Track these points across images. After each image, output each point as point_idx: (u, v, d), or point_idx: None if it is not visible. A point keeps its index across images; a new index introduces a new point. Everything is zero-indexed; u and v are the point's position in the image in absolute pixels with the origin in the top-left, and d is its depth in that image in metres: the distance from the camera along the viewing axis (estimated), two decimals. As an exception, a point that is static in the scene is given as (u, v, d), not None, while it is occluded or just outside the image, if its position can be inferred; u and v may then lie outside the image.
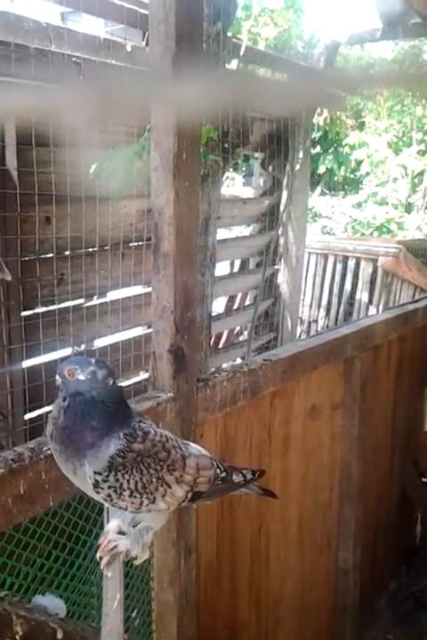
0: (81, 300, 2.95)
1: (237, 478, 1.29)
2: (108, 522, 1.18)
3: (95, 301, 3.01)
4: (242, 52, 3.14)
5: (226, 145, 2.62)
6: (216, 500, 2.12)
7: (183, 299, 1.74)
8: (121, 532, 1.15)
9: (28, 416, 2.61)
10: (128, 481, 1.08)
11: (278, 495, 2.47)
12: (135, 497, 1.09)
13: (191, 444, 1.28)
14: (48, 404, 2.46)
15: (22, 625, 0.95)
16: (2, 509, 1.21)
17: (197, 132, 1.74)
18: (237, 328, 4.28)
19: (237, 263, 4.40)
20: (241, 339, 4.16)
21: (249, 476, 1.31)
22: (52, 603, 1.20)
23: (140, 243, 3.02)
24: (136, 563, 1.18)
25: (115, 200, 2.75)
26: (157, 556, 1.80)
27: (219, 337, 4.26)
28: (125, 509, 1.10)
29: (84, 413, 1.07)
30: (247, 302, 3.99)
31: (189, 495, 1.18)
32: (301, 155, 3.61)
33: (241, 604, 2.34)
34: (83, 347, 3.06)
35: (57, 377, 1.10)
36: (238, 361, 3.76)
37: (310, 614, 2.76)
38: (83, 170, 2.44)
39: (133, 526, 1.16)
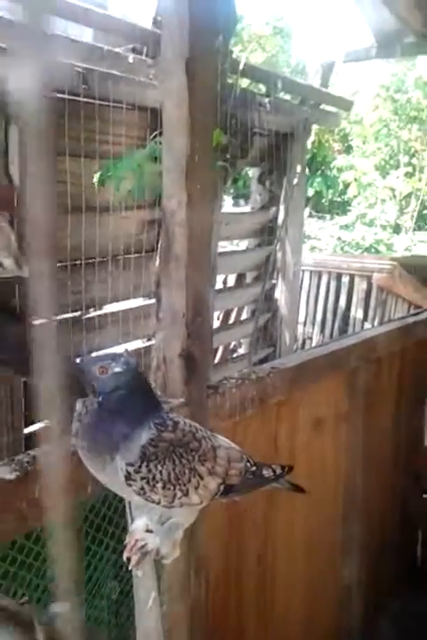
0: (79, 312, 2.91)
1: (267, 473, 1.25)
2: (131, 521, 1.13)
3: (94, 313, 2.96)
4: (241, 67, 3.16)
5: (228, 156, 2.62)
6: (223, 513, 2.08)
7: (194, 303, 1.71)
8: (148, 531, 1.10)
9: (27, 430, 2.54)
10: (161, 472, 1.04)
11: (285, 510, 2.44)
12: (168, 489, 1.05)
13: (218, 436, 1.24)
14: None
15: (46, 632, 0.90)
16: (18, 514, 1.16)
17: (209, 134, 1.73)
18: (233, 343, 4.24)
19: (231, 278, 4.38)
20: (236, 355, 4.12)
21: (279, 471, 1.28)
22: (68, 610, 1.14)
23: (141, 254, 2.99)
24: (165, 562, 1.13)
25: (117, 210, 2.73)
26: (166, 568, 1.74)
27: (214, 352, 4.22)
28: (158, 503, 1.06)
29: (120, 406, 1.04)
30: (244, 317, 3.96)
31: (221, 488, 1.14)
32: (298, 169, 3.63)
33: (248, 624, 2.28)
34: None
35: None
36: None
37: (316, 633, 2.69)
38: (87, 180, 2.42)
39: (161, 524, 1.11)
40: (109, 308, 3.05)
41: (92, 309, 2.99)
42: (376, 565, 3.13)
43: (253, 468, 1.22)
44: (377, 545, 3.14)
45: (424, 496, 3.57)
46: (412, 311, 4.43)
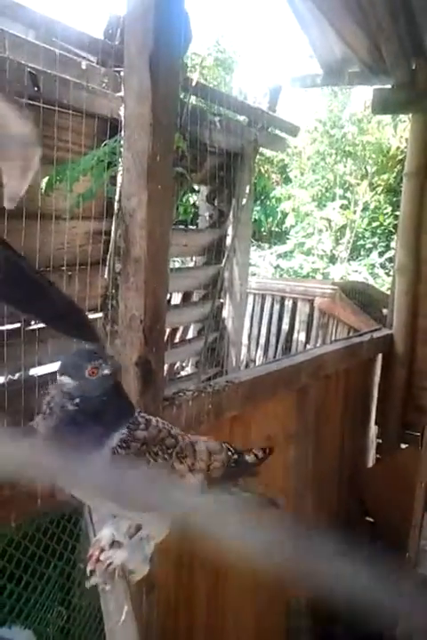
0: (19, 324, 2.75)
1: (249, 458, 1.19)
2: (94, 531, 1.03)
3: (35, 326, 2.81)
4: (194, 84, 3.15)
5: (180, 168, 2.57)
6: (174, 533, 1.98)
7: (153, 308, 1.64)
8: (115, 542, 1.00)
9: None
10: None
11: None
12: None
13: (193, 435, 1.16)
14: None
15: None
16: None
17: (171, 134, 1.68)
18: (177, 364, 4.15)
19: (175, 296, 4.30)
20: (182, 374, 4.04)
21: (261, 455, 1.21)
22: (20, 636, 1.02)
23: (86, 266, 2.87)
24: (133, 578, 1.03)
25: (63, 219, 2.61)
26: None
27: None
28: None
29: (98, 410, 0.95)
30: (190, 336, 3.89)
31: (205, 484, 1.06)
32: (247, 190, 3.63)
33: (197, 648, 2.18)
34: (17, 375, 2.85)
35: (63, 377, 0.96)
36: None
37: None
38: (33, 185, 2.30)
39: (130, 537, 1.01)
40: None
41: (34, 322, 2.84)
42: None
43: (236, 457, 1.16)
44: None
45: (367, 518, 3.59)
46: (352, 334, 4.51)
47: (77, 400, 0.95)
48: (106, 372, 0.97)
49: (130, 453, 0.96)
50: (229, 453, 1.16)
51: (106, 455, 0.94)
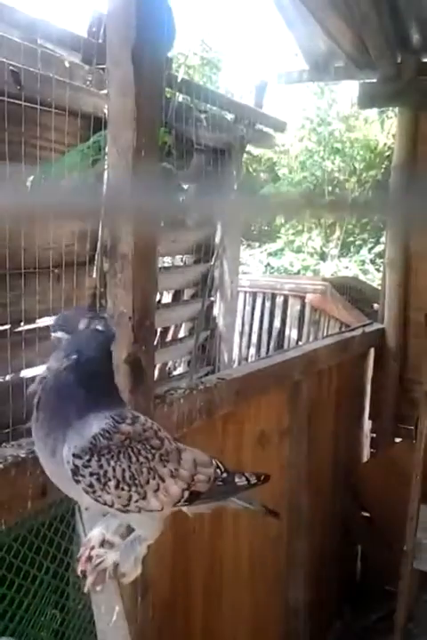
0: (6, 326, 2.71)
1: (239, 481, 1.13)
2: (84, 531, 1.00)
3: (23, 327, 2.77)
4: (179, 80, 3.13)
5: (168, 164, 2.55)
6: (168, 534, 1.95)
7: (142, 305, 1.61)
8: (105, 542, 0.98)
9: None
10: (114, 468, 0.92)
11: (231, 530, 2.34)
12: (122, 489, 0.93)
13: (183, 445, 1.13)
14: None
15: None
16: None
17: (155, 127, 1.66)
18: (170, 363, 4.12)
19: (166, 295, 4.28)
20: (174, 374, 4.01)
21: (253, 480, 1.15)
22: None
23: (73, 266, 2.84)
24: (125, 581, 1.00)
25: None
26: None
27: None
28: (111, 506, 0.93)
29: (89, 372, 0.92)
30: (181, 335, 3.87)
31: (186, 494, 1.03)
32: (235, 186, 3.62)
33: (195, 649, 2.15)
34: (7, 377, 2.82)
35: (58, 333, 0.96)
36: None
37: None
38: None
39: (121, 537, 0.99)
40: (40, 323, 2.87)
41: (22, 323, 2.80)
42: (319, 583, 3.08)
43: (224, 475, 1.11)
44: (320, 562, 3.09)
45: (363, 513, 3.57)
46: (343, 330, 4.50)
47: (75, 356, 0.93)
48: (99, 327, 0.97)
49: (111, 445, 0.93)
50: (218, 471, 1.11)
51: (85, 438, 0.91)
